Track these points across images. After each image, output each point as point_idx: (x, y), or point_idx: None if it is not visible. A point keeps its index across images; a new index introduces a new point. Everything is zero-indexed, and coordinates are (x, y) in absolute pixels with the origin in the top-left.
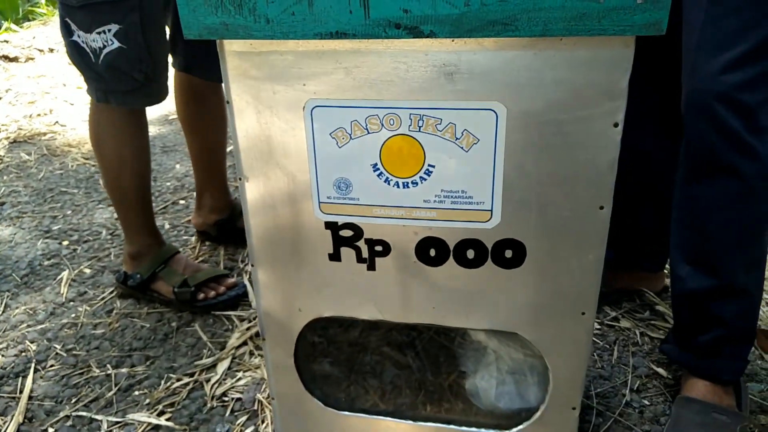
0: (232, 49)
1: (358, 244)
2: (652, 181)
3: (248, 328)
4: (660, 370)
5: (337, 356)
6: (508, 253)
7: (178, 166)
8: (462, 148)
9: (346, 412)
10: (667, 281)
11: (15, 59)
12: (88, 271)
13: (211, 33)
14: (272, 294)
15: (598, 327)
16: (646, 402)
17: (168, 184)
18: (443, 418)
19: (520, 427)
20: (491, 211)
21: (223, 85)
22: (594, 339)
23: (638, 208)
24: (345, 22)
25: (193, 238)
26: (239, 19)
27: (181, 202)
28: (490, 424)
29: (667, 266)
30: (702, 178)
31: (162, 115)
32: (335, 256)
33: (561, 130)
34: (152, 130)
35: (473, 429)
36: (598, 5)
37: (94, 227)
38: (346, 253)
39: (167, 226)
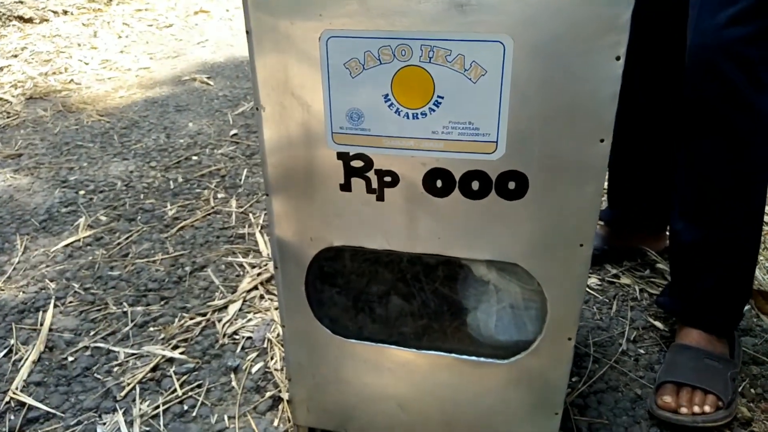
0: None
1: (368, 174)
2: (657, 141)
3: (259, 274)
4: (657, 323)
5: (345, 287)
6: (511, 185)
7: (190, 124)
8: (470, 79)
9: (353, 340)
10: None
11: (30, 20)
12: (104, 218)
13: None
14: (285, 223)
15: (599, 283)
16: (642, 351)
17: (181, 141)
18: (444, 347)
19: (518, 356)
20: (496, 142)
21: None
22: (594, 294)
23: (642, 168)
24: None
25: (206, 191)
26: None
27: (194, 158)
28: (489, 354)
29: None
30: (698, 132)
31: (174, 75)
32: (346, 187)
33: (565, 63)
34: (165, 90)
35: (473, 358)
36: None
37: (109, 179)
38: (357, 183)
39: (180, 180)
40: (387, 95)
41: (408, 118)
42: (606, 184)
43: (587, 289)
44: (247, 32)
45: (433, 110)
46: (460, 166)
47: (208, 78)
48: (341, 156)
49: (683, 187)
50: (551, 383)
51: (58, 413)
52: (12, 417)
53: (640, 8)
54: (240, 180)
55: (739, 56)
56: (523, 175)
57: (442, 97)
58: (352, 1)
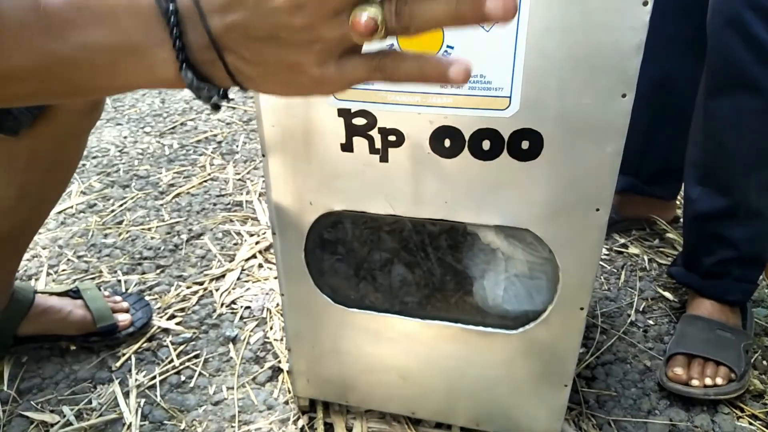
0: None
1: (370, 133)
2: (669, 105)
3: (257, 242)
4: (666, 294)
5: (346, 254)
6: (525, 145)
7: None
8: (483, 27)
9: (354, 309)
10: (680, 211)
11: None
12: (97, 185)
13: None
14: (283, 186)
15: (606, 252)
16: (651, 322)
17: (176, 105)
18: (450, 317)
19: (528, 326)
20: (510, 98)
21: None
22: (601, 264)
23: (653, 133)
24: None
25: (202, 158)
26: None
27: (190, 123)
28: (496, 324)
29: (680, 196)
30: (722, 92)
31: None
32: (347, 147)
33: (586, 9)
34: None
35: (480, 328)
36: None
37: (102, 144)
38: (359, 143)
39: (176, 146)
40: (392, 45)
41: None
42: None
43: None
44: None
45: None
46: (470, 123)
47: None
48: (342, 113)
49: (700, 150)
50: (561, 354)
51: (51, 383)
52: (5, 388)
53: None
54: (237, 146)
55: (765, 10)
56: (537, 133)
57: (452, 47)
58: None
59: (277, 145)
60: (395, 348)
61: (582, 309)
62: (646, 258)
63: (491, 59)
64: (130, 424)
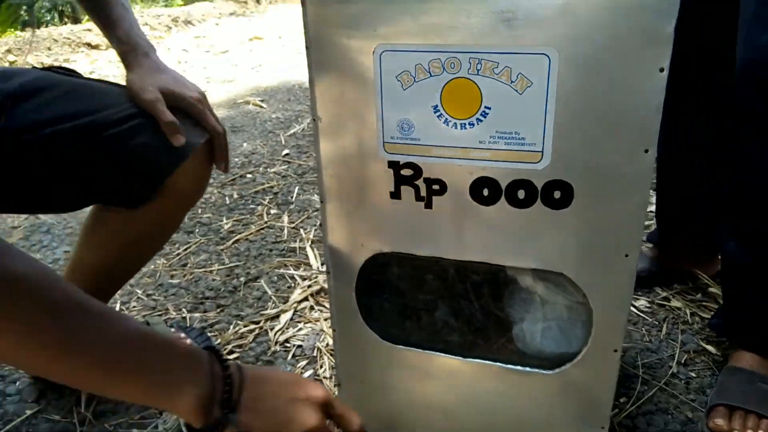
0: None
1: (417, 182)
2: (705, 159)
3: (309, 286)
4: (709, 348)
5: (394, 294)
6: (557, 194)
7: (245, 144)
8: (516, 90)
9: (400, 346)
10: None
11: (96, 47)
12: None
13: None
14: (338, 229)
15: (648, 305)
16: (693, 374)
17: (236, 159)
18: (490, 356)
19: (564, 367)
20: (542, 152)
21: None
22: (643, 316)
23: (691, 192)
24: None
25: (259, 207)
26: None
27: (248, 175)
28: (534, 364)
29: None
30: (749, 146)
31: (230, 98)
32: (396, 195)
33: (609, 75)
34: (221, 113)
35: (518, 367)
36: None
37: None
38: (406, 191)
39: (236, 196)
40: (436, 106)
41: (456, 128)
42: (654, 204)
43: (636, 311)
44: (306, 47)
45: (481, 120)
46: (506, 175)
47: (261, 101)
48: (392, 165)
49: (733, 204)
50: (597, 396)
51: (122, 408)
52: (82, 410)
53: (687, 21)
54: (292, 197)
55: None
56: (568, 184)
57: (489, 108)
58: (405, 17)
59: (334, 192)
60: (438, 385)
61: (615, 351)
62: (688, 312)
63: (525, 118)
64: None
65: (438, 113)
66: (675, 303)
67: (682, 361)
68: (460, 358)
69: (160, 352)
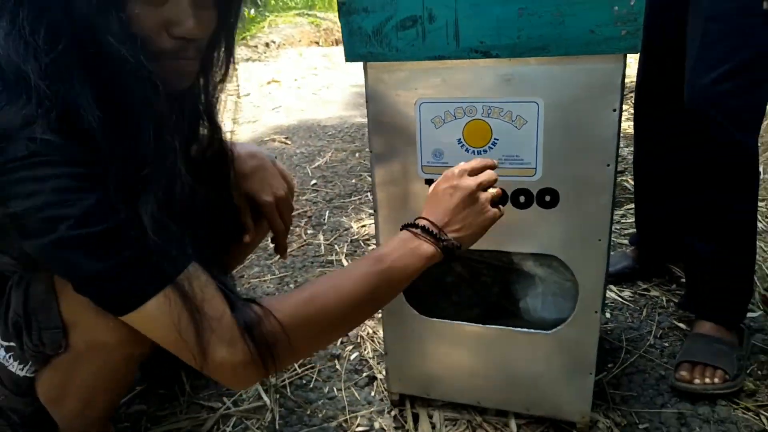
0: (373, 66)
1: None
2: (674, 172)
3: None
4: (680, 325)
5: (428, 277)
6: (547, 198)
7: None
8: (516, 127)
9: (435, 319)
10: None
11: None
12: None
13: (364, 57)
14: (387, 232)
15: (631, 295)
16: (666, 345)
17: None
18: (503, 323)
19: (559, 327)
20: (535, 168)
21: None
22: (627, 303)
23: (663, 197)
24: (443, 49)
25: (298, 229)
26: (379, 49)
27: None
28: (536, 327)
29: None
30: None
31: (256, 136)
32: None
33: (579, 114)
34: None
35: (524, 329)
36: (598, 36)
37: None
38: None
39: None
40: (460, 139)
41: (474, 154)
42: (634, 212)
43: (621, 300)
44: (366, 101)
45: (492, 148)
46: (511, 185)
47: (285, 138)
48: (428, 182)
49: (696, 212)
50: (584, 348)
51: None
52: (184, 385)
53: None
54: (324, 219)
55: (726, 107)
56: (555, 191)
57: (498, 139)
58: (437, 79)
59: (384, 204)
60: (464, 349)
61: (596, 312)
62: (664, 299)
63: (523, 146)
64: (272, 408)
65: (461, 144)
66: (653, 293)
67: (658, 335)
68: (480, 325)
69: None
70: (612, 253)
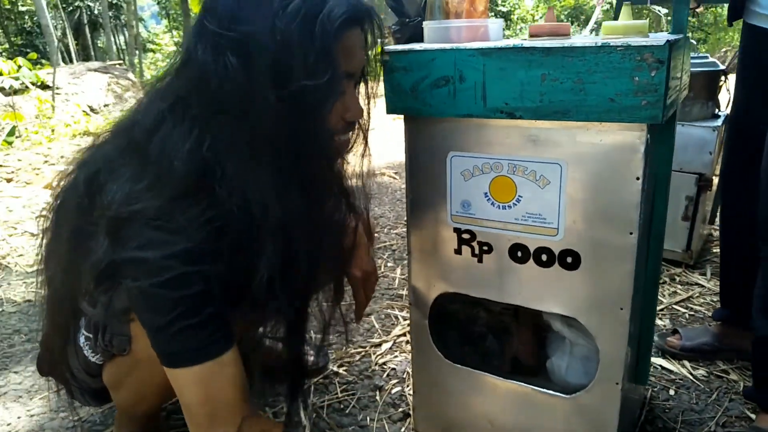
0: (410, 120)
1: (472, 243)
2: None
3: (409, 325)
4: (753, 415)
5: (456, 324)
6: (569, 259)
7: (376, 209)
8: (539, 186)
9: (459, 365)
10: None
11: None
12: None
13: (402, 111)
14: (418, 274)
15: (705, 375)
16: None
17: None
18: (526, 380)
19: (578, 393)
20: (557, 228)
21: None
22: (697, 383)
23: (752, 269)
24: (472, 108)
25: (379, 261)
26: (415, 104)
27: (374, 235)
28: (557, 389)
29: None
30: None
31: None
32: (458, 251)
33: (602, 179)
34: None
35: (544, 390)
36: (618, 105)
37: None
38: (465, 249)
39: None
40: (486, 193)
41: (499, 208)
42: (719, 283)
43: (692, 378)
44: (405, 152)
45: (516, 204)
46: (533, 243)
47: (395, 173)
48: (456, 230)
49: (761, 285)
50: (604, 418)
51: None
52: None
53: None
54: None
55: None
56: (577, 253)
57: (522, 197)
58: (468, 137)
59: (417, 247)
60: (485, 399)
61: (617, 384)
62: (743, 384)
63: (546, 205)
64: (305, 426)
65: (487, 198)
66: (732, 376)
67: (721, 423)
68: (503, 378)
69: None
70: (695, 326)
